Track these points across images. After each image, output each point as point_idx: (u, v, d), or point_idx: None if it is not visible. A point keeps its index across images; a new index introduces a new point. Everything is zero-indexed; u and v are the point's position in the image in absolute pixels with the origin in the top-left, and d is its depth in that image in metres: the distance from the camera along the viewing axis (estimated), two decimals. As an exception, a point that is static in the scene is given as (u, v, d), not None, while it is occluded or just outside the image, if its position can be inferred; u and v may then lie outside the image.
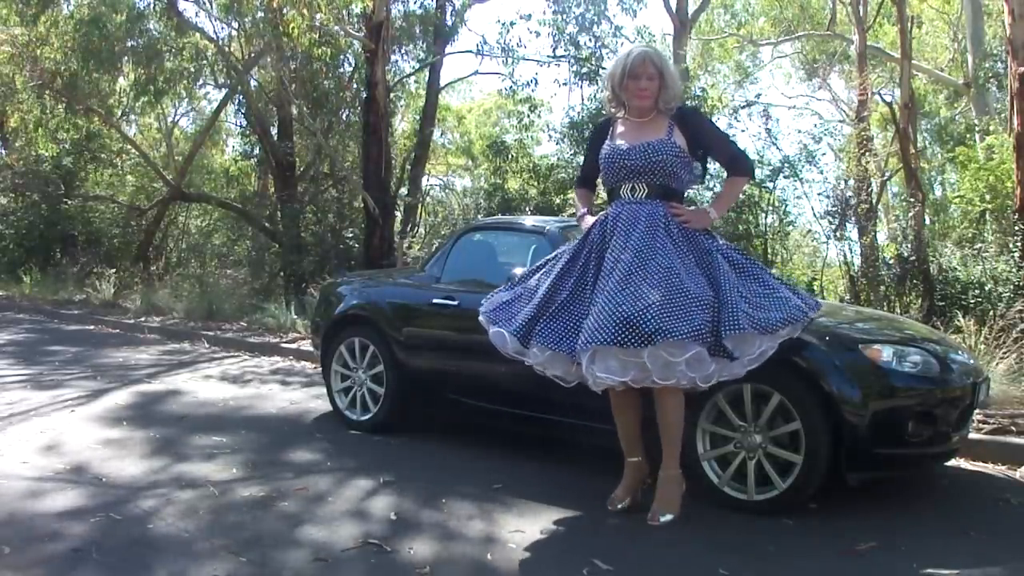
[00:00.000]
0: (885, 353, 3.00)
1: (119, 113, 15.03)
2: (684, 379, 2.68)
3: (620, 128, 3.06)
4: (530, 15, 11.51)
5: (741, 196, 8.35)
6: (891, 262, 7.64)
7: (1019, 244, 6.71)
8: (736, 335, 2.68)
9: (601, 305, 2.71)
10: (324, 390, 4.61)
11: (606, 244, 2.91)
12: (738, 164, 3.11)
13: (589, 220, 3.09)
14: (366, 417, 4.25)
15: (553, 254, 3.14)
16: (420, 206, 14.00)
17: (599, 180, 3.23)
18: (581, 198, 3.33)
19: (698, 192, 7.46)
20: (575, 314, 2.84)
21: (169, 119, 17.65)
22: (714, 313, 2.69)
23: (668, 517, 2.82)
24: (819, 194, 8.76)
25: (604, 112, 3.17)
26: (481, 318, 3.11)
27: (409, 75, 14.53)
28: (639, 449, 3.00)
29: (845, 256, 8.31)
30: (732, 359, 2.71)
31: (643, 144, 2.93)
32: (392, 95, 12.71)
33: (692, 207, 3.35)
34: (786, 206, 8.81)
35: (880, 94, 14.87)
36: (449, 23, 13.19)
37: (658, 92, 2.95)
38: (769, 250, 8.48)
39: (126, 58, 12.22)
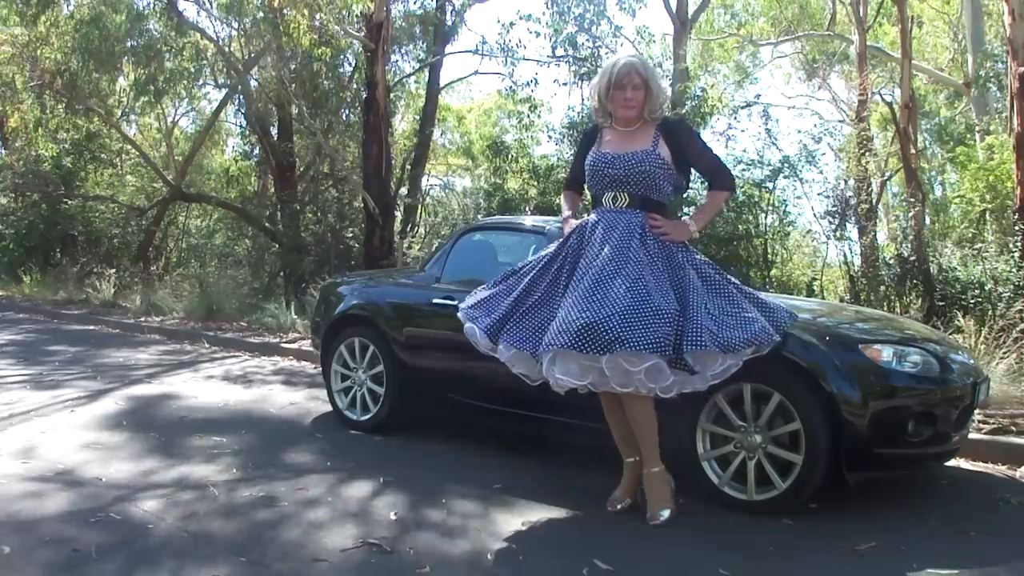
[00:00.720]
0: (885, 353, 3.00)
1: (119, 113, 15.03)
2: (643, 387, 2.70)
3: (607, 136, 3.07)
4: (530, 15, 11.51)
5: (741, 196, 8.37)
6: (891, 262, 7.64)
7: (1019, 244, 6.71)
8: (698, 351, 2.69)
9: (567, 309, 2.75)
10: (324, 390, 4.61)
11: (582, 250, 2.95)
12: (720, 178, 3.10)
13: (572, 223, 3.12)
14: (366, 417, 4.25)
15: (535, 256, 3.16)
16: (420, 206, 14.01)
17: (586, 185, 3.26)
18: (567, 200, 3.35)
19: (698, 193, 7.45)
20: (543, 315, 2.89)
21: (169, 119, 17.63)
22: (677, 327, 2.69)
23: (666, 513, 2.83)
24: (819, 194, 8.78)
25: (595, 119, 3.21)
26: (459, 314, 3.16)
27: (409, 75, 14.54)
28: (636, 449, 3.00)
29: (845, 256, 8.32)
30: (692, 373, 2.73)
31: (628, 154, 2.95)
32: (392, 95, 12.72)
33: (680, 218, 3.35)
34: (786, 206, 8.82)
35: (880, 94, 14.88)
36: (449, 23, 13.19)
37: (643, 102, 2.95)
38: (769, 250, 8.48)
39: (126, 58, 12.22)
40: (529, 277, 3.02)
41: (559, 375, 2.73)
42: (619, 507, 2.97)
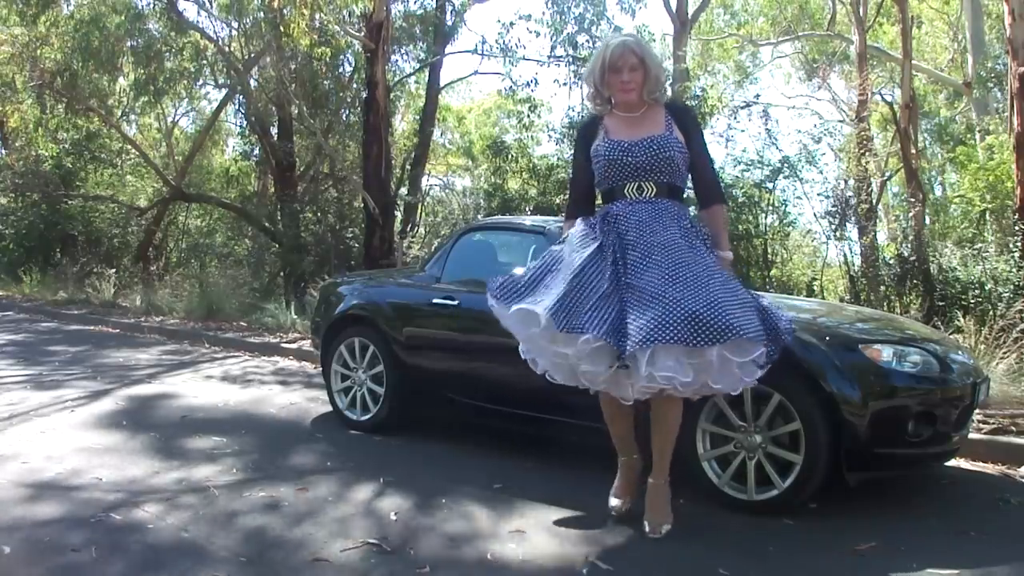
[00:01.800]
0: (885, 353, 3.00)
1: (119, 113, 15.05)
2: (740, 383, 2.57)
3: (611, 124, 2.81)
4: (530, 15, 11.53)
5: (741, 196, 8.37)
6: (891, 262, 7.65)
7: (1019, 244, 6.72)
8: (788, 340, 2.60)
9: (662, 302, 2.44)
10: (324, 390, 4.61)
11: (624, 241, 2.64)
12: (718, 190, 2.87)
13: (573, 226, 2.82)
14: (366, 417, 4.25)
15: (575, 243, 2.72)
16: (420, 206, 14.02)
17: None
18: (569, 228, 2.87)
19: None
20: (612, 309, 2.53)
21: (169, 119, 17.66)
22: (762, 316, 2.54)
23: (667, 527, 2.73)
24: (819, 194, 8.78)
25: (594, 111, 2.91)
26: (492, 301, 2.73)
27: (409, 75, 14.55)
28: (635, 447, 2.92)
29: (845, 256, 8.33)
30: (761, 367, 2.57)
31: (647, 139, 2.71)
32: (392, 95, 12.74)
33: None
34: (786, 206, 8.82)
35: (880, 94, 14.88)
36: (449, 23, 13.21)
37: (642, 83, 2.73)
38: (769, 250, 8.48)
39: (126, 58, 12.23)
40: (583, 262, 2.60)
41: (661, 373, 2.42)
42: (624, 510, 2.86)
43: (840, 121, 16.95)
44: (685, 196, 2.94)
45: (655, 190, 2.72)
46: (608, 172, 2.77)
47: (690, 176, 2.87)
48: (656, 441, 2.75)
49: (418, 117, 14.97)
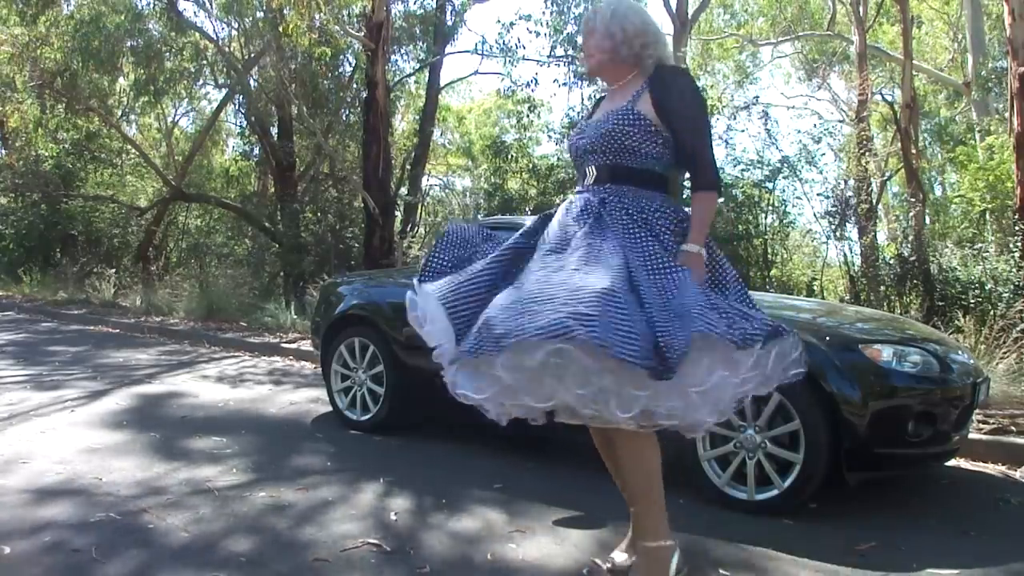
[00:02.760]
0: (885, 353, 3.00)
1: (119, 113, 15.06)
2: (551, 396, 1.95)
3: (603, 103, 2.51)
4: (530, 15, 11.55)
5: (741, 196, 8.36)
6: (891, 262, 7.65)
7: (1019, 244, 6.72)
8: (680, 350, 1.90)
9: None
10: (324, 390, 4.61)
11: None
12: (705, 174, 2.26)
13: None
14: (366, 417, 4.25)
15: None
16: (420, 206, 14.03)
17: None
18: None
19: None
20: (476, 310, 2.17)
21: (169, 119, 17.67)
22: (613, 311, 1.88)
23: None
24: (819, 194, 8.80)
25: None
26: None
27: (409, 75, 14.57)
28: None
29: (845, 256, 8.34)
30: (660, 377, 1.88)
31: (604, 116, 2.33)
32: (392, 95, 12.75)
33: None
34: (786, 206, 8.83)
35: (880, 94, 14.89)
36: (449, 23, 13.22)
37: (598, 45, 2.35)
38: (769, 250, 8.48)
39: (126, 58, 12.25)
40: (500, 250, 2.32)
41: (459, 391, 2.05)
42: (618, 564, 2.35)
43: (840, 121, 16.97)
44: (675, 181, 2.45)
45: (595, 175, 2.30)
46: (572, 160, 2.47)
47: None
48: (620, 484, 2.32)
49: (418, 117, 14.98)
